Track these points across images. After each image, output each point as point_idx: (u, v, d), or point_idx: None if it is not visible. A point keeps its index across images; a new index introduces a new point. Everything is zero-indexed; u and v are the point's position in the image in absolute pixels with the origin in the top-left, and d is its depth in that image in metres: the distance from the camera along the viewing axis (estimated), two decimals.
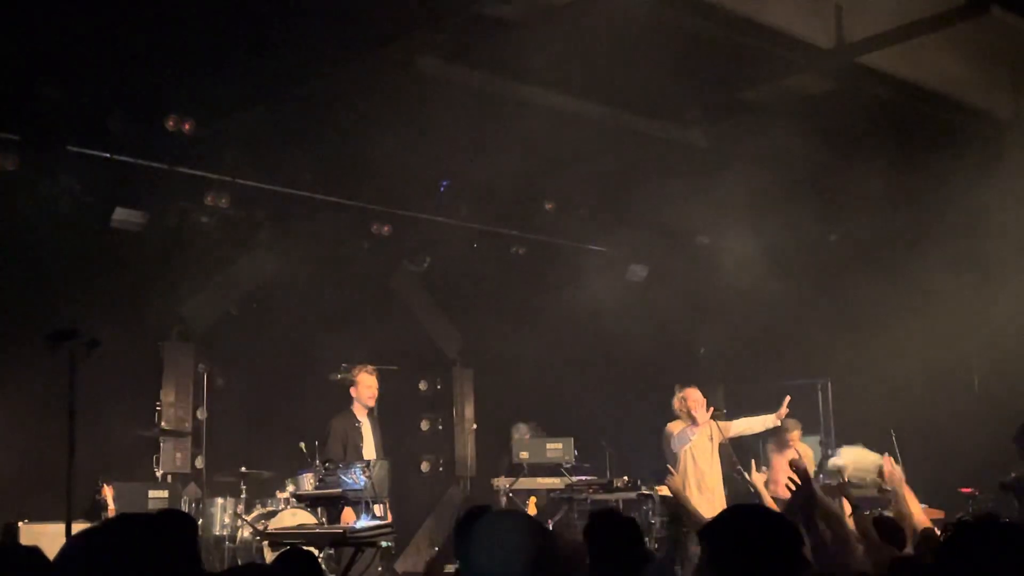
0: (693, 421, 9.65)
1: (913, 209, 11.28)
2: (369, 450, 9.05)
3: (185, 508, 9.44)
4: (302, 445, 10.79)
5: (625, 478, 10.26)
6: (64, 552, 1.92)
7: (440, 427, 12.56)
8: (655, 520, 9.89)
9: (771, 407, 10.19)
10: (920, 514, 6.06)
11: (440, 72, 8.43)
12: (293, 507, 9.56)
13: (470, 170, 10.65)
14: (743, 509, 2.93)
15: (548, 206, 11.60)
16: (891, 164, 10.51)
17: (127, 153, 9.05)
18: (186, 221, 9.96)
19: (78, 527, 7.76)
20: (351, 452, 8.84)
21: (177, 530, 3.36)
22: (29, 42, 7.62)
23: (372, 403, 9.08)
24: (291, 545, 7.42)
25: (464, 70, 8.58)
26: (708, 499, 9.25)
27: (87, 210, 9.16)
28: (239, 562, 9.07)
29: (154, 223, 9.64)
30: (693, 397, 9.79)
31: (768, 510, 3.05)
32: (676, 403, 9.91)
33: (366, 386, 9.04)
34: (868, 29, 7.78)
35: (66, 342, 6.04)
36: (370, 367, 9.15)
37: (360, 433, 9.02)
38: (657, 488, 9.85)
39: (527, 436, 11.78)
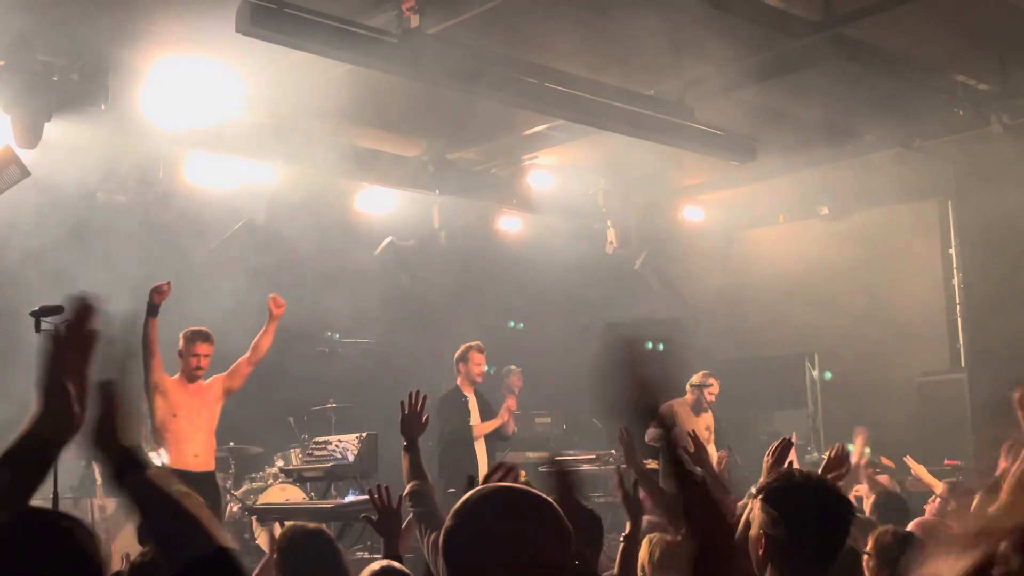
0: (698, 409, 9.57)
1: (901, 181, 11.29)
2: (477, 423, 9.15)
3: None
4: (290, 420, 10.82)
5: (613, 452, 10.28)
6: None
7: (428, 401, 12.53)
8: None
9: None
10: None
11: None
12: (282, 482, 9.57)
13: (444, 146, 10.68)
14: (805, 476, 2.97)
15: (528, 179, 11.54)
16: (880, 137, 10.53)
17: None
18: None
19: (65, 502, 7.78)
20: (461, 426, 9.00)
21: None
22: None
23: (480, 380, 9.21)
24: (278, 520, 7.44)
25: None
26: None
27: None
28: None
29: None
30: (711, 390, 9.57)
31: (822, 479, 3.08)
32: (690, 388, 9.64)
33: (475, 363, 9.13)
34: (857, 0, 7.74)
35: (52, 317, 6.00)
36: (478, 344, 9.21)
37: (468, 408, 9.11)
38: (647, 463, 9.81)
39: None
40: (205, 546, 1.77)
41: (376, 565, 3.69)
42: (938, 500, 6.45)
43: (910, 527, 4.87)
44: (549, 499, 2.14)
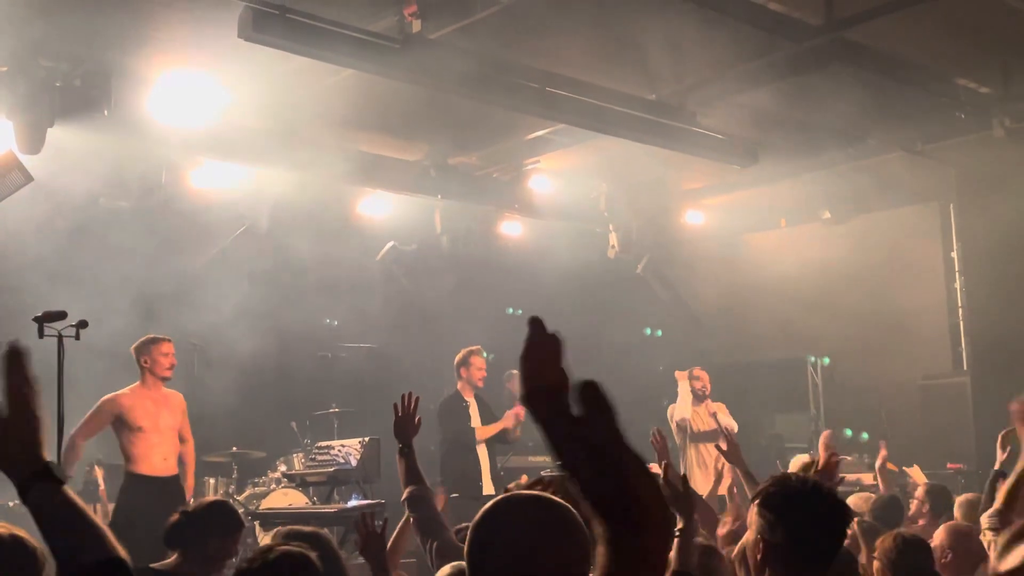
0: (695, 400, 9.78)
1: (903, 185, 11.29)
2: (479, 427, 9.11)
3: None
4: (293, 424, 10.82)
5: None
6: None
7: (431, 406, 12.55)
8: None
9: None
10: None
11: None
12: (284, 487, 9.57)
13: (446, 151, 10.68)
14: (801, 480, 2.96)
15: (530, 184, 11.54)
16: (882, 141, 10.53)
17: None
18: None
19: None
20: (463, 431, 8.97)
21: None
22: None
23: (481, 384, 9.17)
24: (282, 524, 7.42)
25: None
26: (706, 477, 9.28)
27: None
28: None
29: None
30: (703, 379, 9.84)
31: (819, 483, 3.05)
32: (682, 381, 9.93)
33: (477, 367, 9.10)
34: (859, 5, 7.75)
35: (55, 323, 6.02)
36: (479, 348, 9.20)
37: (468, 413, 9.08)
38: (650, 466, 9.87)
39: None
40: (100, 554, 1.80)
41: (448, 569, 3.65)
42: (915, 502, 6.51)
43: (939, 530, 4.90)
44: (571, 508, 2.13)
